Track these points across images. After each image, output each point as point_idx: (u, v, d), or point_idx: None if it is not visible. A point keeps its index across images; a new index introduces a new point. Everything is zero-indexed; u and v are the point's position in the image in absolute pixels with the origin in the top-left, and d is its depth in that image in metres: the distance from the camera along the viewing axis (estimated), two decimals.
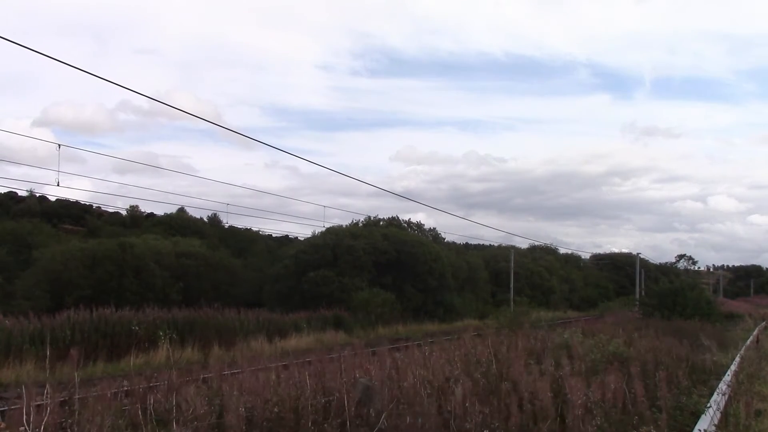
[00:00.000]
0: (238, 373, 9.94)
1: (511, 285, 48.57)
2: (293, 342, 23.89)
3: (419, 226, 53.52)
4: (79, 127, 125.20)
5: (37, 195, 61.89)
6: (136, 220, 59.08)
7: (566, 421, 7.19)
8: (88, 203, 65.93)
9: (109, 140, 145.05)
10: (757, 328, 31.65)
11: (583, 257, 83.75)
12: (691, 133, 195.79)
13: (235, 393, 7.01)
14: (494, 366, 9.15)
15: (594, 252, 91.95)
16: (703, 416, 8.31)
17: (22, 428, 5.16)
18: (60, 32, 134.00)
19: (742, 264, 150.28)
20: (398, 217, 52.48)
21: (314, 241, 39.90)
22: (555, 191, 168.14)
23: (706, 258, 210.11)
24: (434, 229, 54.45)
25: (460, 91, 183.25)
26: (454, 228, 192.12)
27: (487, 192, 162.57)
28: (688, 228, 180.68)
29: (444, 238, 55.24)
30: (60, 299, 25.60)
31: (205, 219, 58.33)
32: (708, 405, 8.85)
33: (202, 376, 8.92)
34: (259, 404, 6.58)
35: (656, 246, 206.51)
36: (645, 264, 72.72)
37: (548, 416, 7.31)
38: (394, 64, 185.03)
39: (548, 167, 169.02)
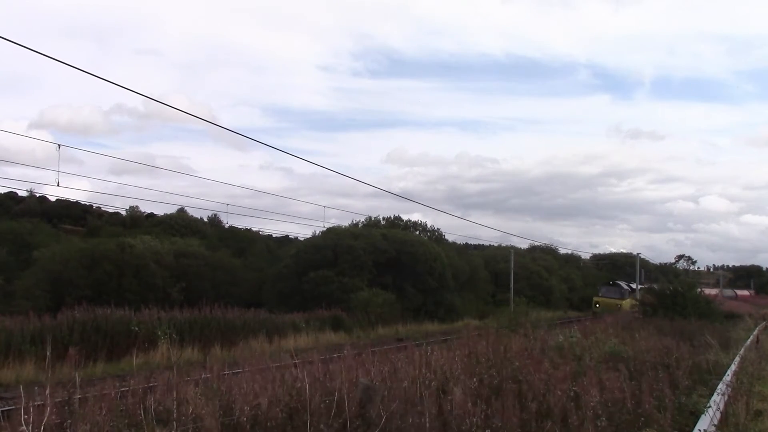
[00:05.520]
0: (238, 373, 9.94)
1: (511, 285, 48.54)
2: (293, 342, 23.88)
3: (423, 226, 53.52)
4: (76, 129, 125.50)
5: (37, 195, 61.95)
6: (136, 220, 59.13)
7: (569, 420, 7.19)
8: (87, 203, 65.92)
9: (106, 141, 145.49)
10: (757, 328, 31.64)
11: (582, 257, 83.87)
12: (688, 134, 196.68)
13: (236, 393, 7.01)
14: (496, 365, 9.14)
15: (591, 252, 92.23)
16: (703, 416, 8.31)
17: (21, 428, 5.15)
18: (62, 34, 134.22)
19: (742, 264, 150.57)
20: (401, 217, 52.54)
21: (314, 242, 39.90)
22: (552, 192, 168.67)
23: (704, 258, 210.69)
24: (438, 229, 54.46)
25: (460, 92, 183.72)
26: (452, 228, 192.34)
27: (483, 192, 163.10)
28: (684, 228, 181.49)
29: (446, 239, 55.31)
30: (60, 299, 25.59)
31: (205, 219, 58.46)
32: (708, 405, 8.86)
33: (202, 376, 8.90)
34: (260, 404, 6.58)
35: (653, 246, 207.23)
36: (645, 264, 72.72)
37: (551, 416, 7.31)
38: (395, 65, 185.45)
39: (545, 168, 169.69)
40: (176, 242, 38.38)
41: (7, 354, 16.30)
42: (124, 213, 60.82)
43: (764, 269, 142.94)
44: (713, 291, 65.18)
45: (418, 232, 50.83)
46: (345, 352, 9.70)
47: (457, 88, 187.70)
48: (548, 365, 9.63)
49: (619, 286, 49.54)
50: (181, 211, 55.00)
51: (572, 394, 8.08)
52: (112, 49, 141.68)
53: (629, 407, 8.46)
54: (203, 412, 6.12)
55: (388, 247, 38.52)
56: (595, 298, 47.81)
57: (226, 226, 53.78)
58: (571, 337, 15.20)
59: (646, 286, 57.25)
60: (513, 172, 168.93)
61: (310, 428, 6.26)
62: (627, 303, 45.52)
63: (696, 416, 8.68)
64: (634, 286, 54.03)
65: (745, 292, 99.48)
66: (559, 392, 7.76)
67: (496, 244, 60.71)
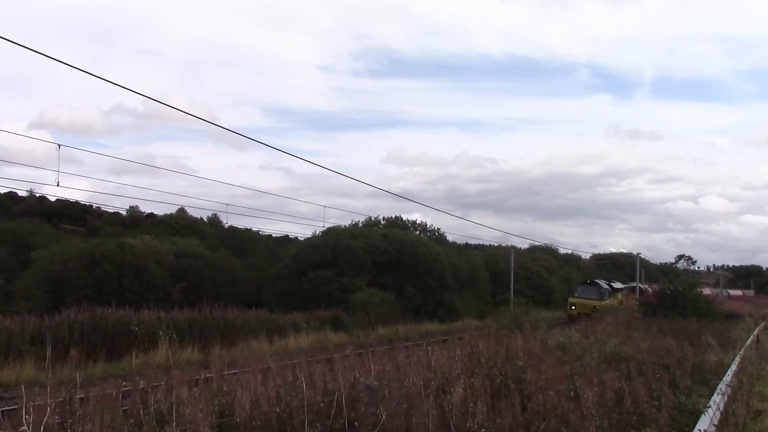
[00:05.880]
0: (239, 373, 9.94)
1: (511, 285, 48.55)
2: (293, 342, 23.90)
3: (423, 226, 53.55)
4: (76, 129, 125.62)
5: (37, 195, 61.91)
6: (136, 220, 59.09)
7: (569, 420, 7.19)
8: (87, 203, 65.88)
9: (106, 141, 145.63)
10: (757, 328, 31.67)
11: (582, 257, 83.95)
12: (687, 134, 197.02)
13: (236, 393, 7.01)
14: (498, 365, 9.14)
15: (590, 252, 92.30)
16: (703, 416, 8.31)
17: (22, 428, 5.16)
18: (62, 34, 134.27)
19: (742, 264, 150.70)
20: (401, 217, 52.55)
21: (314, 241, 39.91)
22: (552, 192, 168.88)
23: (704, 258, 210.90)
24: (439, 229, 54.50)
25: (460, 92, 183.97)
26: (452, 228, 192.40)
27: (483, 192, 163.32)
28: (683, 228, 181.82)
29: (447, 238, 55.37)
30: (59, 299, 25.58)
31: (205, 219, 58.44)
32: (708, 405, 8.86)
33: (204, 375, 8.91)
34: (259, 404, 6.58)
35: (653, 246, 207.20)
36: (645, 264, 72.80)
37: (552, 415, 7.31)
38: (395, 65, 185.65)
39: (545, 168, 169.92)
40: (176, 242, 38.38)
41: (7, 354, 16.28)
42: (124, 213, 60.82)
43: (764, 269, 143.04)
44: (706, 291, 64.65)
45: (418, 232, 50.85)
46: (347, 351, 9.70)
47: (457, 88, 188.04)
48: (549, 365, 9.63)
49: (598, 285, 44.59)
50: (181, 211, 54.98)
51: (572, 394, 8.09)
52: (112, 49, 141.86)
53: (628, 407, 8.47)
54: (198, 415, 6.11)
55: (388, 247, 38.52)
56: (571, 299, 42.92)
57: (226, 226, 53.80)
58: (571, 337, 15.22)
59: (627, 285, 53.63)
60: (513, 172, 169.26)
61: (310, 428, 6.26)
62: (607, 304, 41.51)
63: (696, 416, 8.69)
64: (616, 285, 49.33)
65: (738, 292, 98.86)
66: (552, 392, 7.76)
67: (496, 244, 60.77)
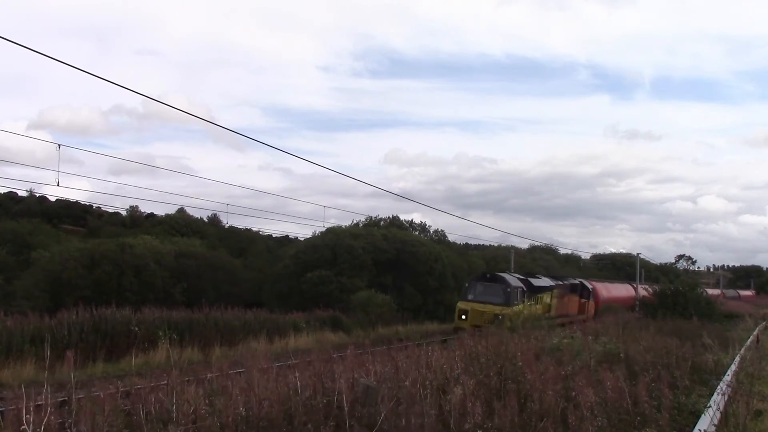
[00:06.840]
0: (240, 373, 9.93)
1: None
2: (293, 342, 23.91)
3: (423, 226, 53.63)
4: (75, 129, 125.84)
5: (37, 195, 61.97)
6: (136, 220, 59.15)
7: (568, 420, 7.19)
8: (87, 203, 65.92)
9: (105, 141, 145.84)
10: (757, 328, 31.67)
11: (582, 257, 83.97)
12: (685, 134, 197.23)
13: (236, 393, 7.01)
14: (496, 365, 9.15)
15: (590, 252, 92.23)
16: (703, 416, 8.30)
17: (22, 428, 5.16)
18: (62, 34, 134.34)
19: (741, 264, 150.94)
20: (399, 217, 52.64)
21: (314, 242, 39.90)
22: (551, 192, 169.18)
23: (704, 258, 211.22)
24: (442, 230, 54.60)
25: (460, 92, 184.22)
26: (452, 228, 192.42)
27: (483, 193, 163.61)
28: (683, 228, 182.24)
29: (448, 239, 55.52)
30: (59, 299, 25.59)
31: (205, 219, 58.51)
32: (708, 405, 8.85)
33: (208, 375, 8.91)
34: (258, 404, 6.58)
35: (652, 246, 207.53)
36: (645, 264, 72.82)
37: (551, 416, 7.31)
38: (395, 65, 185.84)
39: (544, 168, 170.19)
40: (177, 242, 38.40)
41: (7, 354, 16.28)
42: (124, 213, 60.90)
43: (764, 269, 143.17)
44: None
45: (417, 233, 50.92)
46: (348, 351, 9.70)
47: (457, 88, 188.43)
48: (548, 365, 9.64)
49: (504, 282, 28.56)
50: (181, 211, 55.02)
51: (572, 393, 8.09)
52: (112, 49, 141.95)
53: (628, 407, 8.46)
54: (203, 412, 6.11)
55: (388, 247, 38.53)
56: (461, 304, 28.14)
57: (226, 226, 53.84)
58: (571, 337, 15.24)
59: (563, 282, 36.79)
60: (512, 172, 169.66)
61: (309, 428, 6.26)
62: (517, 311, 26.41)
63: (696, 416, 8.69)
64: (539, 281, 32.61)
65: (716, 291, 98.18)
66: (551, 392, 7.76)
67: (496, 244, 60.71)
